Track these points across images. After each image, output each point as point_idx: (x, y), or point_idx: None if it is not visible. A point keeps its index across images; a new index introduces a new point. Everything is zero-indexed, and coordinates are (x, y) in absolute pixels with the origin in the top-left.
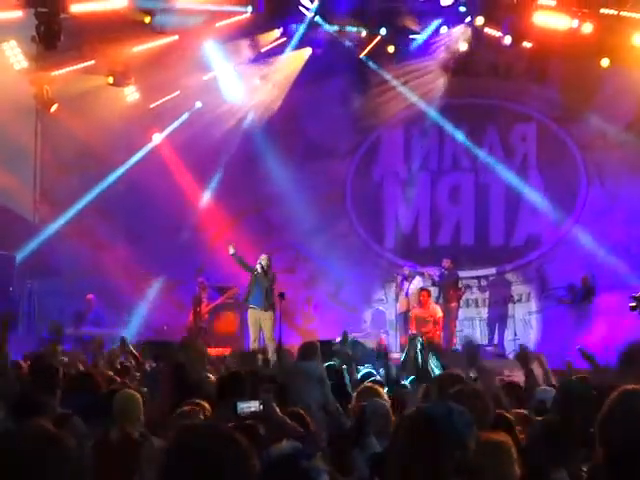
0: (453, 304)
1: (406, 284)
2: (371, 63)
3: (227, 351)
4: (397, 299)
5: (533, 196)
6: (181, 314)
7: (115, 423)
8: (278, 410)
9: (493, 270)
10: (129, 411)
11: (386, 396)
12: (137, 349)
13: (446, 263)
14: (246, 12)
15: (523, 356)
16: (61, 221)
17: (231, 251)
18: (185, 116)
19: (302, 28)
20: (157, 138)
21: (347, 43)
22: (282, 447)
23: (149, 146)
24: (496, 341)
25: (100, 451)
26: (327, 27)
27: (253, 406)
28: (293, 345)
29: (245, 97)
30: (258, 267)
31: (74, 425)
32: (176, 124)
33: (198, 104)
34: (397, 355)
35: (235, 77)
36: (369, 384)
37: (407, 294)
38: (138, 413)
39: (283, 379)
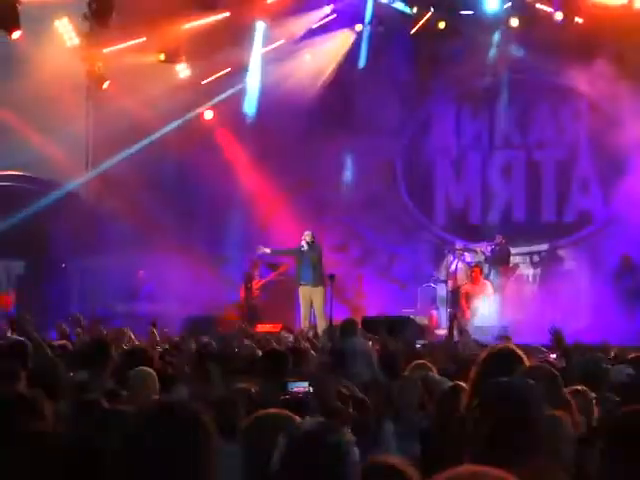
0: (505, 280)
1: (456, 260)
2: (421, 39)
3: (278, 328)
4: (448, 275)
5: (584, 172)
6: (231, 291)
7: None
8: (330, 391)
9: (545, 246)
10: (144, 388)
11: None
12: (187, 325)
13: (498, 239)
14: None
15: (557, 336)
16: (112, 198)
17: (265, 251)
18: (236, 93)
19: (352, 5)
20: (208, 115)
21: (397, 19)
22: (308, 422)
23: (200, 123)
24: (548, 317)
25: None
26: (378, 2)
27: (302, 386)
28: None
29: (295, 74)
30: (303, 243)
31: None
32: (227, 101)
33: (259, 79)
34: (443, 332)
35: (284, 54)
36: (421, 361)
37: (457, 270)
38: (153, 390)
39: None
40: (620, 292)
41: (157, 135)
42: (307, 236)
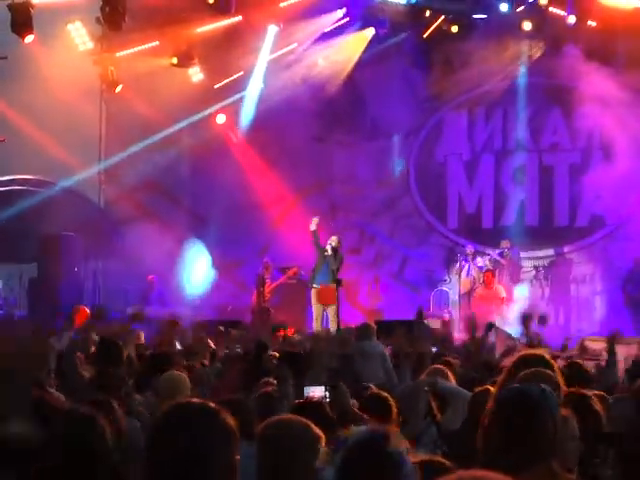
0: (518, 283)
1: (468, 264)
2: (434, 43)
3: (290, 331)
4: (460, 279)
5: (597, 176)
6: (244, 294)
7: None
8: (348, 396)
9: (557, 250)
10: (176, 390)
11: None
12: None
13: (505, 244)
14: None
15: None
16: (125, 201)
17: (313, 227)
18: (248, 96)
19: (365, 8)
20: (221, 118)
21: (410, 23)
22: (361, 430)
23: (213, 127)
24: (560, 322)
25: None
26: (390, 6)
27: (319, 391)
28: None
29: (307, 77)
30: (329, 248)
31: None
32: (239, 104)
33: (261, 84)
34: (457, 335)
35: (297, 57)
36: (438, 365)
37: (469, 274)
38: (185, 394)
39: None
40: (632, 296)
41: (170, 139)
42: (333, 241)
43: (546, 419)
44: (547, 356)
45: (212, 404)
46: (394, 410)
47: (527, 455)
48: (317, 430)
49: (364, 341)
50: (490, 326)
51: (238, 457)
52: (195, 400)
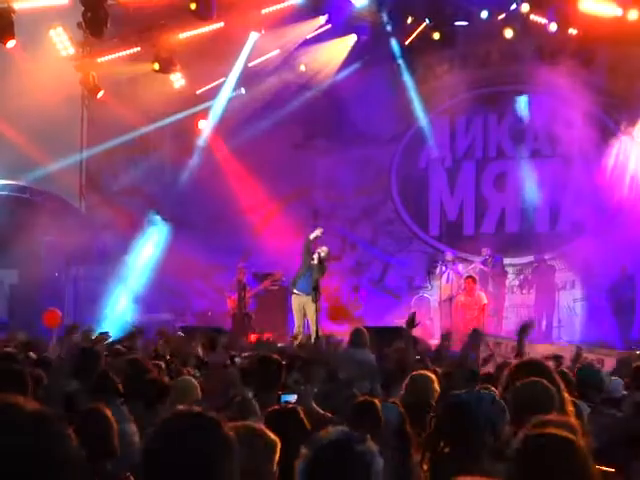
0: (502, 290)
1: (447, 271)
2: (416, 50)
3: (270, 337)
4: (440, 286)
5: (578, 183)
6: (223, 300)
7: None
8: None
9: (538, 257)
10: (187, 397)
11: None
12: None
13: (485, 251)
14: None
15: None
16: (106, 207)
17: (313, 236)
18: (230, 102)
19: (347, 16)
20: (202, 124)
21: (392, 30)
22: (332, 431)
23: (194, 132)
24: (543, 328)
25: None
26: (372, 13)
27: (293, 399)
28: (341, 332)
29: (289, 84)
30: (316, 257)
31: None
32: (221, 110)
33: (243, 90)
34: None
35: (278, 64)
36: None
37: (449, 281)
38: (196, 398)
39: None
40: (616, 302)
41: (151, 144)
42: (323, 251)
43: (478, 426)
44: (543, 362)
45: (212, 414)
46: (380, 417)
47: (461, 457)
48: (272, 436)
49: (359, 348)
50: (476, 334)
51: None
52: (195, 409)
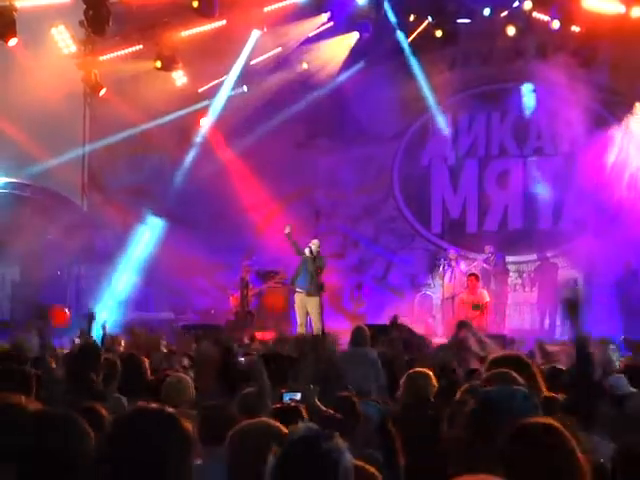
0: (505, 288)
1: (450, 269)
2: (418, 48)
3: (272, 335)
4: (443, 283)
5: (581, 180)
6: (226, 297)
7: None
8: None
9: (541, 255)
10: (180, 394)
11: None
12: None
13: (487, 249)
14: None
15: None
16: (108, 205)
17: (286, 230)
18: (231, 100)
19: (349, 13)
20: (204, 122)
21: (394, 27)
22: (300, 428)
23: (196, 130)
24: (546, 326)
25: None
26: (375, 10)
27: (296, 397)
28: (344, 330)
29: (291, 82)
30: (307, 251)
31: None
32: (223, 108)
33: (244, 88)
34: (439, 340)
35: (282, 62)
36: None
37: (452, 279)
38: (189, 396)
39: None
40: (623, 298)
41: (153, 142)
42: (313, 245)
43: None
44: (523, 355)
45: (169, 409)
46: (359, 414)
47: (489, 455)
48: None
49: (359, 347)
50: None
51: (196, 462)
52: (152, 406)
